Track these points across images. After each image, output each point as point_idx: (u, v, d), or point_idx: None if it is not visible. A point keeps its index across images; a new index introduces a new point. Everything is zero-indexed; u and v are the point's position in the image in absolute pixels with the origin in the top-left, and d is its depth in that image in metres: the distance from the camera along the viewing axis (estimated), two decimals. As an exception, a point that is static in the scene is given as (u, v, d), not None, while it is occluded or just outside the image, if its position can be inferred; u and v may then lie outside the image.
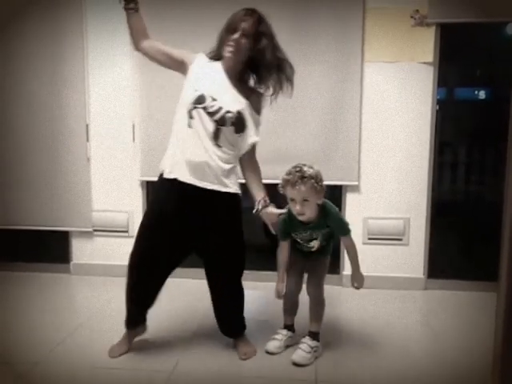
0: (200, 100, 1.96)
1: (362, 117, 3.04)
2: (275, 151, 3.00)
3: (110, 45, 3.17)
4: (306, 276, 2.28)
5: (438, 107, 3.06)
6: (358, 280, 2.18)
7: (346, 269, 3.17)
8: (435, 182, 3.13)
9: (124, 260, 2.15)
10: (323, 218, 2.10)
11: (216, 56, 2.07)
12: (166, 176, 2.03)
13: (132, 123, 3.19)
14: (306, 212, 2.04)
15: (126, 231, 3.28)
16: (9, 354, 2.18)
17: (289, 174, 2.02)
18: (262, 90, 2.09)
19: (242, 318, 2.28)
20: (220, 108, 1.96)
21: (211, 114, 1.96)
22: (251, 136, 2.08)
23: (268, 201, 2.10)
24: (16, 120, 3.25)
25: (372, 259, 3.14)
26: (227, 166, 2.02)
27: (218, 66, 2.05)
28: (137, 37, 2.10)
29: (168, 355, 2.19)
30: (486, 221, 3.18)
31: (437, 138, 3.08)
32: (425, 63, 2.98)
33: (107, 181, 3.28)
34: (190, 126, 1.98)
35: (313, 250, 2.20)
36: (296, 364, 2.10)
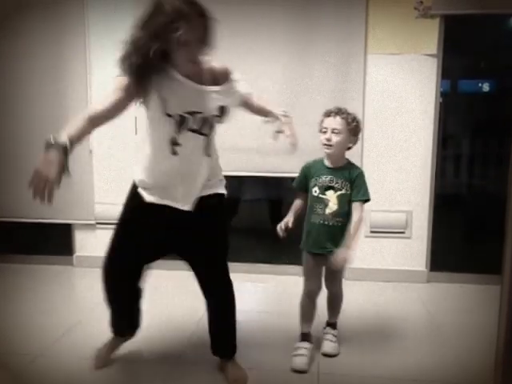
0: (181, 123, 1.67)
1: (365, 108, 3.02)
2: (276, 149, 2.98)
3: (111, 44, 3.16)
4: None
5: (441, 99, 3.04)
6: (343, 256, 1.89)
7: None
8: (438, 174, 3.12)
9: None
10: (349, 170, 2.03)
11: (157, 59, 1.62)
12: (152, 201, 1.85)
13: (134, 116, 3.18)
14: (333, 142, 1.96)
15: (129, 224, 3.27)
16: (11, 346, 2.19)
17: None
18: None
19: (235, 336, 1.98)
20: (205, 118, 1.69)
21: (198, 131, 1.70)
22: (241, 91, 1.82)
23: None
24: (18, 113, 3.25)
25: (374, 252, 3.14)
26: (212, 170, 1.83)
27: (173, 74, 1.67)
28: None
29: (171, 347, 2.19)
30: (489, 214, 3.17)
31: (440, 131, 3.07)
32: (428, 55, 2.96)
33: (109, 173, 3.28)
34: (174, 153, 1.72)
35: (327, 212, 1.98)
36: (329, 355, 2.12)
